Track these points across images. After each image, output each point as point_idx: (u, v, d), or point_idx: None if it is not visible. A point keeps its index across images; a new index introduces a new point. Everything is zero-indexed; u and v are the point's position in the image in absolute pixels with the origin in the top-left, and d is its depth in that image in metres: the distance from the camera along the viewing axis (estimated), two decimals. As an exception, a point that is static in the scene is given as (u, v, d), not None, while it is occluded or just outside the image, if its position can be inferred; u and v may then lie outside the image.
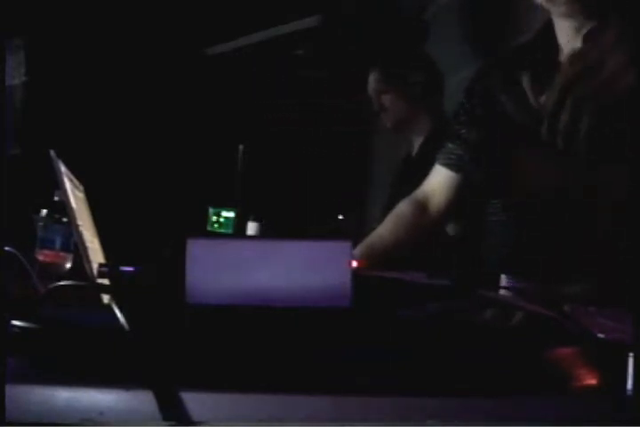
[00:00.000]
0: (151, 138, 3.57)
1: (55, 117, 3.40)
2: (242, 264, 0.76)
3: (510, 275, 1.06)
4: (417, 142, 2.54)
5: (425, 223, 1.59)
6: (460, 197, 1.58)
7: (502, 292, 1.02)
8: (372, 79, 2.57)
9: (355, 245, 1.06)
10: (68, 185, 1.11)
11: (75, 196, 1.14)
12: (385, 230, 1.59)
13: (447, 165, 1.57)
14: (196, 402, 0.62)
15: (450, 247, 2.10)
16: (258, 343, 0.69)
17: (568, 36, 1.37)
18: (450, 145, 1.57)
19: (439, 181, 1.58)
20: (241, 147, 2.46)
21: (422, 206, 1.59)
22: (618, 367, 0.67)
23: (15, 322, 0.70)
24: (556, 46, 1.40)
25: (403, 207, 1.61)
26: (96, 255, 1.13)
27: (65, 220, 1.48)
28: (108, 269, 0.86)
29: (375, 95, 2.56)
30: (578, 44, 1.35)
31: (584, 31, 1.34)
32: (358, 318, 0.76)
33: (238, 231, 2.36)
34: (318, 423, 0.62)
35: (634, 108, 1.15)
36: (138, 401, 0.62)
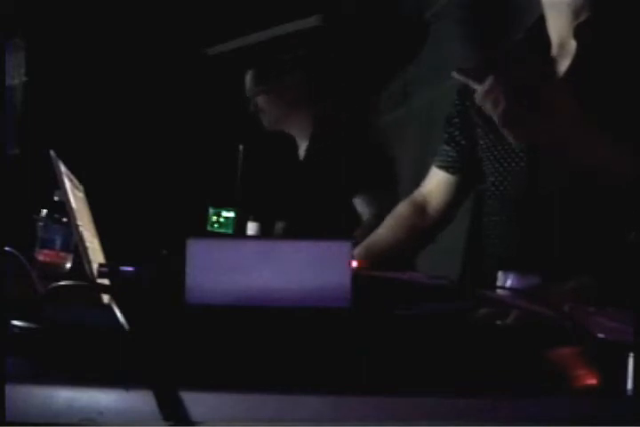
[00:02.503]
0: (151, 138, 3.56)
1: (55, 117, 3.40)
2: (242, 264, 0.76)
3: (510, 275, 1.06)
4: (303, 145, 2.56)
5: (424, 224, 1.59)
6: (457, 198, 1.59)
7: (502, 292, 1.02)
8: (247, 80, 2.56)
9: (355, 245, 1.06)
10: (68, 185, 1.11)
11: (75, 196, 1.14)
12: (385, 231, 1.59)
13: (443, 168, 1.58)
14: (196, 402, 0.62)
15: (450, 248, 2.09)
16: (258, 343, 0.69)
17: (559, 32, 1.38)
18: (446, 147, 1.57)
19: (436, 183, 1.59)
20: (241, 147, 2.46)
21: (421, 208, 1.59)
22: (618, 367, 0.67)
23: (15, 322, 0.70)
24: (548, 43, 1.40)
25: (402, 208, 1.61)
26: (96, 255, 1.13)
27: (65, 220, 1.48)
28: (108, 269, 0.86)
29: (250, 96, 2.56)
30: (569, 39, 1.36)
31: (574, 25, 1.35)
32: (358, 318, 0.75)
33: (238, 231, 2.36)
34: (318, 423, 0.62)
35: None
36: (138, 401, 0.62)
